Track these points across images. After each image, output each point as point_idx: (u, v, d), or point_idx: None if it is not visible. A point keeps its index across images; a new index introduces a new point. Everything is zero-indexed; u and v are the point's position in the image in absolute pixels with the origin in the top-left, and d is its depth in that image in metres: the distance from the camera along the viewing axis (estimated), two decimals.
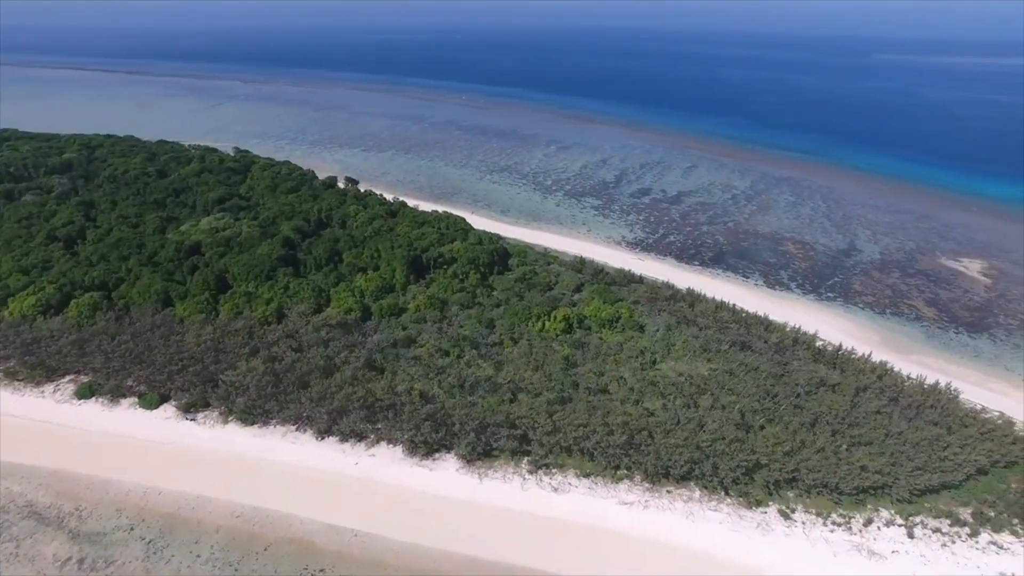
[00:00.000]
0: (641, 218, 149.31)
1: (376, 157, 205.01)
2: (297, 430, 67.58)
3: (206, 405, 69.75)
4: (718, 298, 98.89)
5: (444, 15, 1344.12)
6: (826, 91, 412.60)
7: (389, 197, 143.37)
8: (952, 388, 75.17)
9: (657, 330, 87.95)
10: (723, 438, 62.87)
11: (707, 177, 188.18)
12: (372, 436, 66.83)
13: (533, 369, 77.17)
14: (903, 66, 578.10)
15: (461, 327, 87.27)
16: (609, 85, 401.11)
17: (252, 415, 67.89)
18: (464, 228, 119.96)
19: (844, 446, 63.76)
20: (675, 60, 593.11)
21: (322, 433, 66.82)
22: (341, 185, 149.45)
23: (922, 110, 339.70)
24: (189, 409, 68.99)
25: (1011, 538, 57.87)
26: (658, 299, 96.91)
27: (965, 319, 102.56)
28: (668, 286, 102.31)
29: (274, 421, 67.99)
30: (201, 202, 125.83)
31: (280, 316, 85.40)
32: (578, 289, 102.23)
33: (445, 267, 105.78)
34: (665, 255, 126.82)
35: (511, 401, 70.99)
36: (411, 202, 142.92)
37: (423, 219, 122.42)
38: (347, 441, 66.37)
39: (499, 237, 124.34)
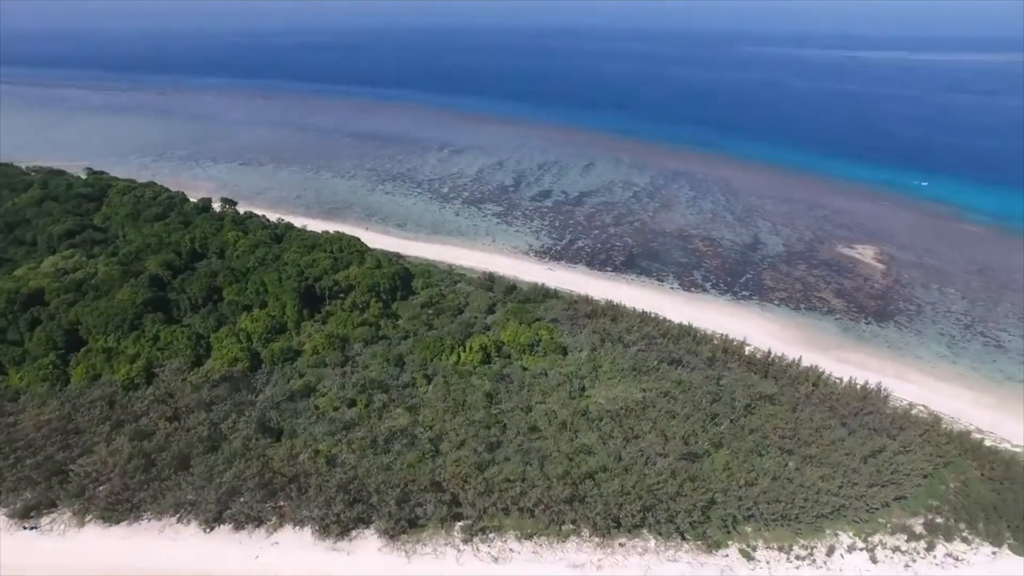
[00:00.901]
0: (546, 223, 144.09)
1: (256, 172, 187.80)
2: (179, 522, 55.70)
3: (52, 506, 55.96)
4: (639, 308, 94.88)
5: (319, 15, 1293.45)
6: (702, 82, 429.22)
7: (273, 218, 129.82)
8: (883, 389, 74.52)
9: (581, 351, 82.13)
10: (674, 476, 57.69)
11: (606, 175, 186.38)
12: (274, 519, 56.17)
13: (453, 412, 69.06)
14: (767, 58, 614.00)
15: (367, 368, 77.65)
16: (495, 82, 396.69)
17: (117, 511, 55.24)
18: (360, 249, 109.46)
19: (795, 466, 60.50)
20: (556, 55, 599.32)
21: (211, 523, 55.37)
22: (217, 207, 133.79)
23: (790, 99, 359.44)
24: (28, 515, 54.96)
25: (963, 547, 56.30)
26: (578, 316, 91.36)
27: (871, 308, 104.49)
28: (586, 299, 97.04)
29: (147, 515, 55.61)
30: (44, 238, 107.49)
31: (150, 376, 72.03)
32: (490, 310, 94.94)
33: (342, 297, 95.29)
34: (576, 262, 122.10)
35: (434, 454, 62.62)
36: (298, 222, 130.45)
37: (313, 242, 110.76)
38: (243, 529, 55.30)
39: (399, 256, 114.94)
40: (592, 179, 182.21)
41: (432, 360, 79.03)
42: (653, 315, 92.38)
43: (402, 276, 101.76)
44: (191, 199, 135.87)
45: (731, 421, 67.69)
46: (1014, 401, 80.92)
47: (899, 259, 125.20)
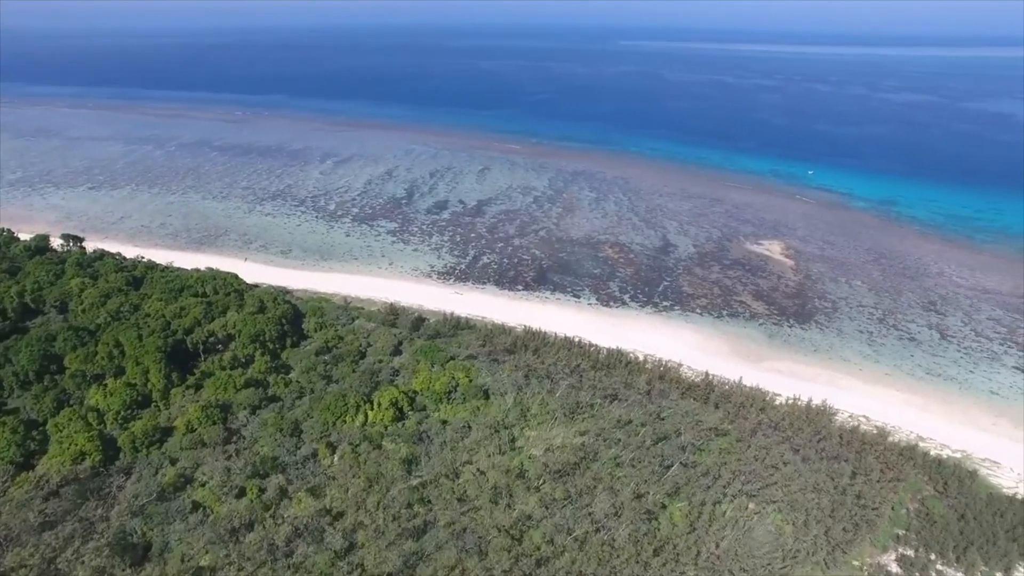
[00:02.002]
0: (446, 239, 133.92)
1: (109, 197, 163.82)
2: None
3: None
4: (560, 332, 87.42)
5: (176, 14, 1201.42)
6: (585, 77, 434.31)
7: (131, 254, 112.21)
8: (827, 406, 71.29)
9: (505, 394, 73.13)
10: (636, 545, 50.21)
11: (503, 180, 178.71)
12: None
13: (366, 489, 58.23)
14: (645, 52, 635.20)
15: (256, 442, 64.91)
16: (373, 85, 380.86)
17: None
18: (238, 289, 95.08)
19: (757, 510, 54.83)
20: (434, 54, 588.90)
21: None
22: (57, 246, 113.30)
23: (670, 91, 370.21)
24: None
25: None
26: (496, 350, 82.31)
27: (791, 309, 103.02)
28: (503, 329, 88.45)
29: None
30: None
31: None
32: (396, 351, 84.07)
33: (219, 350, 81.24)
34: (484, 282, 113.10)
35: (348, 550, 51.64)
36: (163, 257, 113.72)
37: (181, 283, 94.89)
38: None
39: (285, 292, 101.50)
40: (489, 185, 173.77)
41: (335, 424, 67.35)
42: (577, 341, 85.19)
43: (291, 318, 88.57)
44: (21, 237, 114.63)
45: (682, 464, 61.27)
46: (937, 399, 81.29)
47: (804, 253, 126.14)
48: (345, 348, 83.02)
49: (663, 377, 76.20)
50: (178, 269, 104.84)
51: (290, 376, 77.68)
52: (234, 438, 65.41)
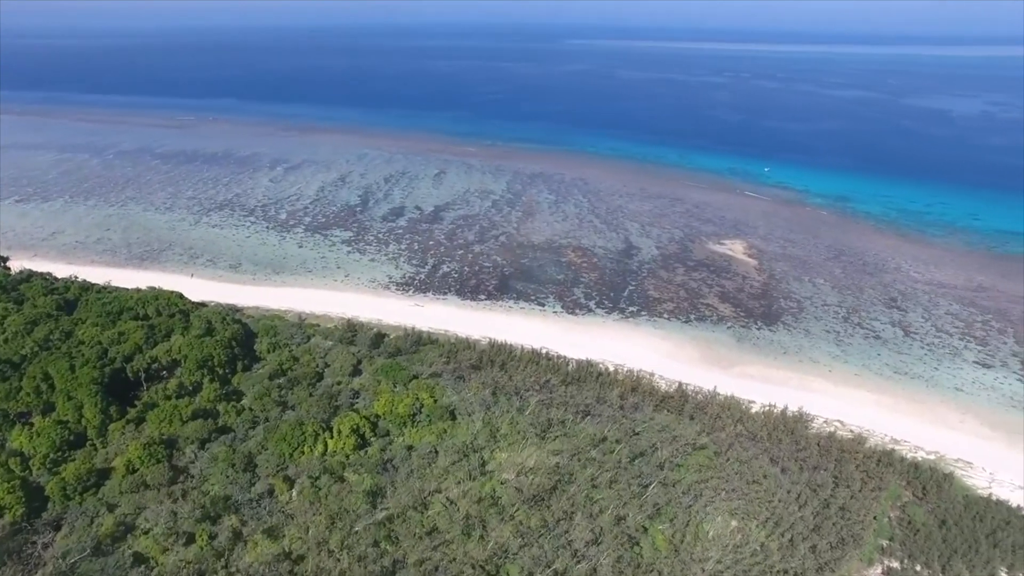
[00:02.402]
0: (404, 248, 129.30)
1: (39, 211, 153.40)
2: None
3: None
4: (526, 345, 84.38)
5: (110, 14, 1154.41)
6: (536, 76, 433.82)
7: (63, 274, 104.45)
8: (802, 413, 70.11)
9: (472, 413, 69.67)
10: (620, 569, 47.54)
11: (460, 184, 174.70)
12: None
13: (328, 527, 54.08)
14: (592, 50, 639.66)
15: (206, 480, 59.92)
16: (323, 87, 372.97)
17: None
18: (183, 309, 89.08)
19: (737, 531, 52.83)
20: (384, 55, 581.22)
21: None
22: None
23: (622, 89, 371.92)
24: None
25: None
26: (461, 366, 78.65)
27: (757, 311, 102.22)
28: (467, 343, 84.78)
29: None
30: None
31: None
32: (356, 371, 79.68)
33: (164, 378, 75.51)
34: (445, 293, 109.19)
35: None
36: (100, 275, 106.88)
37: (120, 305, 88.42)
38: None
39: (235, 310, 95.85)
40: (446, 190, 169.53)
41: (292, 455, 62.81)
42: (545, 353, 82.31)
43: (241, 339, 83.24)
44: None
45: (661, 483, 58.86)
46: (906, 399, 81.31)
47: (767, 252, 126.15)
48: (301, 370, 78.26)
49: (636, 389, 73.89)
50: (116, 289, 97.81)
51: (242, 403, 72.53)
52: (181, 477, 60.27)
